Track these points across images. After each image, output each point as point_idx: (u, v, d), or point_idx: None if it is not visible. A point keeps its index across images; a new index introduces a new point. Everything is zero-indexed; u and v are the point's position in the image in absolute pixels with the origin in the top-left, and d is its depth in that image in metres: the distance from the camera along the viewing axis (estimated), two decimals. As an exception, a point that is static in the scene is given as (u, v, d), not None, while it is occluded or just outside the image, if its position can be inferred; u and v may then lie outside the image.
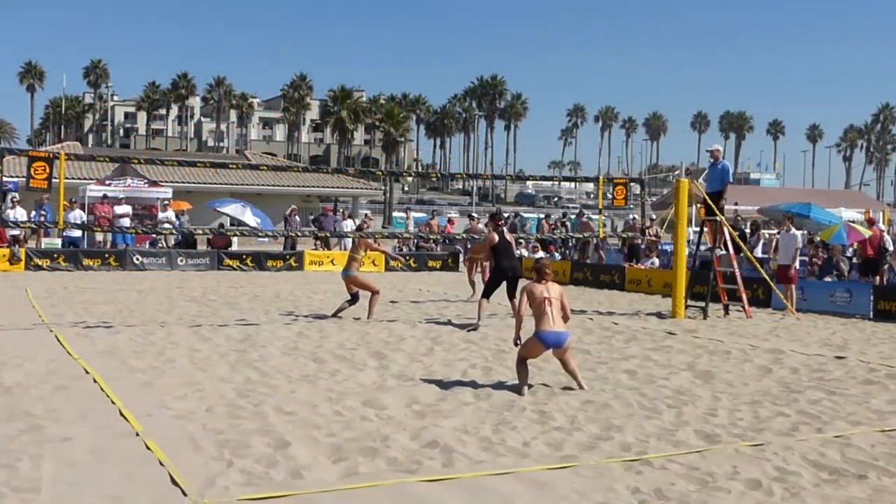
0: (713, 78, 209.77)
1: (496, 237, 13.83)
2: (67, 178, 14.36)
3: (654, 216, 27.93)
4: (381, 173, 25.42)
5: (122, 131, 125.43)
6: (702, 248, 19.33)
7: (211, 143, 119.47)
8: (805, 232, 26.85)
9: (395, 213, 62.58)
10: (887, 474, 6.10)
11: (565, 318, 8.72)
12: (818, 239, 23.19)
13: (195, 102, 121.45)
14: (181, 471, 5.75)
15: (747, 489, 5.71)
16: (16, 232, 24.60)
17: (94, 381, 8.76)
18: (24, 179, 13.43)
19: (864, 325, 15.64)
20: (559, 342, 8.60)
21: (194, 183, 44.96)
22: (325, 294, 19.25)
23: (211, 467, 5.93)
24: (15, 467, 5.79)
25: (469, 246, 20.02)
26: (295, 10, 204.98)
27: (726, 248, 16.63)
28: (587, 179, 24.65)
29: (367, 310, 14.63)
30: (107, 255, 25.91)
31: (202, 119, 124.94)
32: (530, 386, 8.83)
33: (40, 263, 24.51)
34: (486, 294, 13.89)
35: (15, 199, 25.98)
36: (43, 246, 26.84)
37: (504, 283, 13.92)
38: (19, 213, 25.16)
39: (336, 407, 7.90)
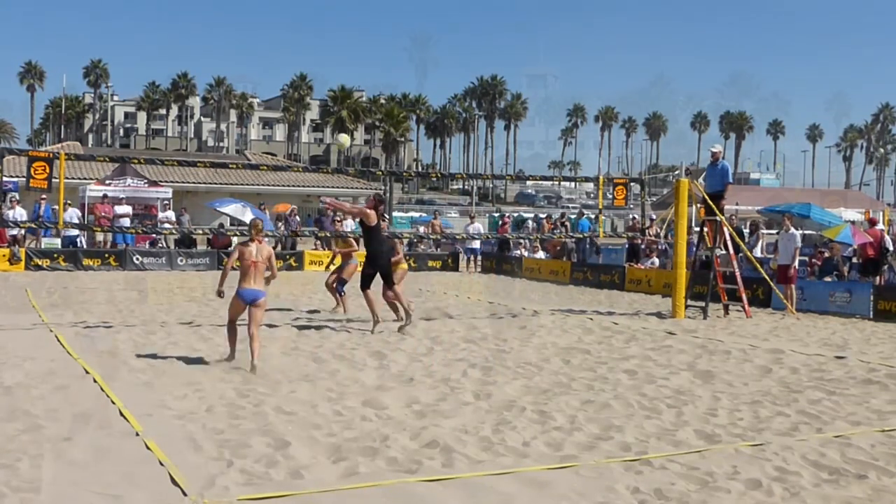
0: (713, 78, 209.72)
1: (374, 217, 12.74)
2: (67, 178, 14.34)
3: (654, 216, 27.87)
4: (381, 173, 25.46)
5: (122, 131, 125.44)
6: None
7: (211, 142, 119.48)
8: (814, 232, 26.80)
9: (394, 213, 62.54)
10: (887, 474, 6.10)
11: (272, 277, 9.76)
12: (824, 237, 23.11)
13: (195, 102, 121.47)
14: (181, 471, 5.75)
15: (747, 489, 5.72)
16: (16, 232, 24.59)
17: (94, 381, 8.76)
18: (23, 179, 13.43)
19: (864, 324, 15.63)
20: (255, 297, 9.58)
21: (194, 183, 44.95)
22: (326, 294, 19.24)
23: (211, 467, 5.93)
24: (15, 467, 5.79)
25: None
26: (296, 10, 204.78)
27: (726, 248, 16.63)
28: (587, 179, 24.64)
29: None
30: (107, 255, 25.92)
31: (202, 119, 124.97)
32: (229, 358, 9.86)
33: (40, 263, 24.51)
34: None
35: (14, 199, 25.96)
36: (43, 246, 26.81)
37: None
38: (19, 213, 25.15)
39: (336, 407, 7.90)
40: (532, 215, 56.62)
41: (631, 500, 5.48)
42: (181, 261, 26.49)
